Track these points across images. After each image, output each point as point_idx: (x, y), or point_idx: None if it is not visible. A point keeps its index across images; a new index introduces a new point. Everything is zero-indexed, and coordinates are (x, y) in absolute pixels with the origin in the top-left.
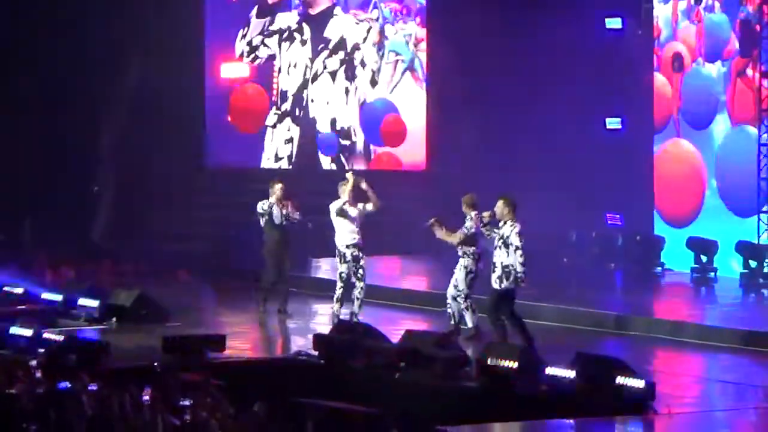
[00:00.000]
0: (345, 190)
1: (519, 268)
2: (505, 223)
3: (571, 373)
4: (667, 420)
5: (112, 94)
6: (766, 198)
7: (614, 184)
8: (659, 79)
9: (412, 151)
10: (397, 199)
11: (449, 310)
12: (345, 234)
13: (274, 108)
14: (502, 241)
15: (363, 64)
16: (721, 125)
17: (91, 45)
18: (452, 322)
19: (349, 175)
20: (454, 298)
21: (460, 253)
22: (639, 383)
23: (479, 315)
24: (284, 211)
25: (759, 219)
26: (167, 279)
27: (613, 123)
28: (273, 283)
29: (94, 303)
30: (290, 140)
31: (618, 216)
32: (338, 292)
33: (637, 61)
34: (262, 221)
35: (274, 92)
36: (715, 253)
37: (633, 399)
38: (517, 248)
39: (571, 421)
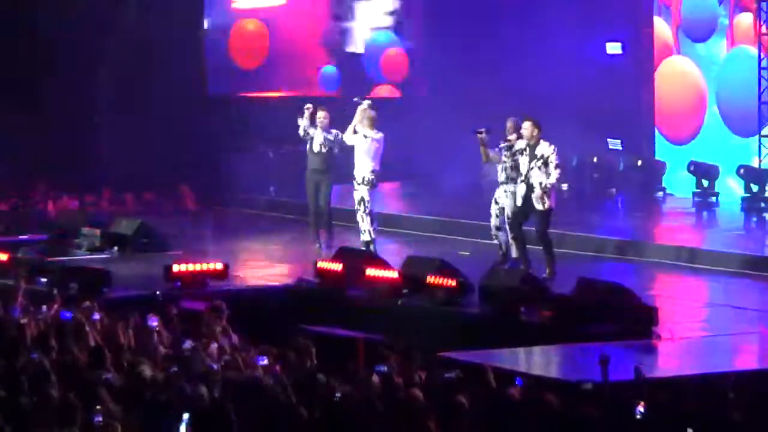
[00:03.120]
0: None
1: (554, 183)
2: (537, 142)
3: (573, 299)
4: (669, 344)
5: (111, 30)
6: (766, 120)
7: (615, 109)
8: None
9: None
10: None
11: (496, 241)
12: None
13: None
14: (541, 161)
15: None
16: (721, 47)
17: None
18: (500, 253)
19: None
20: (498, 228)
21: (503, 178)
22: (640, 308)
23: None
24: (325, 136)
25: (760, 143)
26: (170, 207)
27: (613, 48)
28: (313, 212)
29: (95, 232)
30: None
31: (619, 141)
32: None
33: None
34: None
35: None
36: (716, 177)
37: (635, 324)
38: (557, 166)
39: (575, 346)
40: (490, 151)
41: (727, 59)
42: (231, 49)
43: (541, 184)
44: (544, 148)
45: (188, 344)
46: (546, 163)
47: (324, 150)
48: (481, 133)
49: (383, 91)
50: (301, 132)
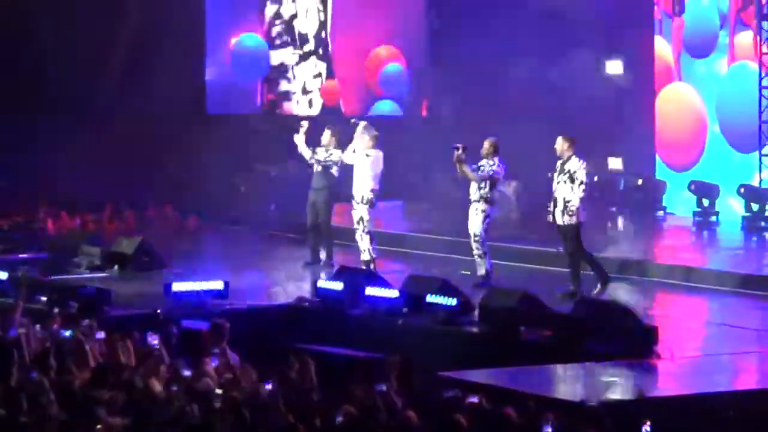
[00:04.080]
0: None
1: (576, 202)
2: (569, 158)
3: (573, 318)
4: (669, 364)
5: (111, 46)
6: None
7: (615, 128)
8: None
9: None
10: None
11: (477, 262)
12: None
13: (291, 48)
14: (567, 175)
15: None
16: (722, 64)
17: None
18: (478, 275)
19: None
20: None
21: (476, 197)
22: (641, 328)
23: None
24: (318, 157)
25: (760, 162)
26: (171, 226)
27: (614, 67)
28: (310, 230)
29: (95, 250)
30: (318, 75)
31: (619, 159)
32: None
33: (637, 5)
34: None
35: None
36: (717, 196)
37: (636, 343)
38: (581, 183)
39: (574, 365)
40: (467, 168)
41: (727, 74)
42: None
43: (564, 198)
44: (574, 164)
45: (187, 363)
46: (572, 179)
47: (319, 168)
48: (458, 149)
49: (384, 106)
50: (305, 153)
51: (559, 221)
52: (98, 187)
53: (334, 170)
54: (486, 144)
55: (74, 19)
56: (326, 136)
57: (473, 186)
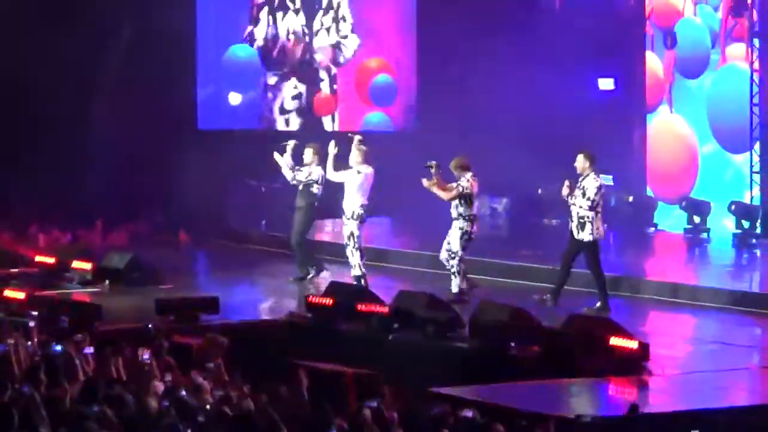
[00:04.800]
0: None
1: (582, 213)
2: (587, 176)
3: (564, 334)
4: (660, 381)
5: (103, 60)
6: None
7: (606, 145)
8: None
9: (403, 112)
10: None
11: (453, 279)
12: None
13: (274, 71)
14: (581, 191)
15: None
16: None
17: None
18: (453, 291)
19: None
20: (448, 261)
21: (454, 215)
22: (632, 344)
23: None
24: (300, 177)
25: (751, 179)
26: (162, 241)
27: (605, 83)
28: (290, 245)
29: (87, 266)
30: (298, 96)
31: (610, 176)
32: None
33: (629, 20)
34: None
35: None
36: (708, 213)
37: (627, 360)
38: (588, 198)
39: (565, 382)
40: (437, 189)
41: (718, 75)
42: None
43: (578, 214)
44: (590, 181)
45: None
46: (584, 194)
47: (301, 187)
48: (431, 167)
49: (374, 118)
50: (286, 175)
51: (576, 236)
52: (89, 202)
53: (315, 188)
54: (453, 162)
55: (64, 34)
56: (309, 154)
57: (451, 205)
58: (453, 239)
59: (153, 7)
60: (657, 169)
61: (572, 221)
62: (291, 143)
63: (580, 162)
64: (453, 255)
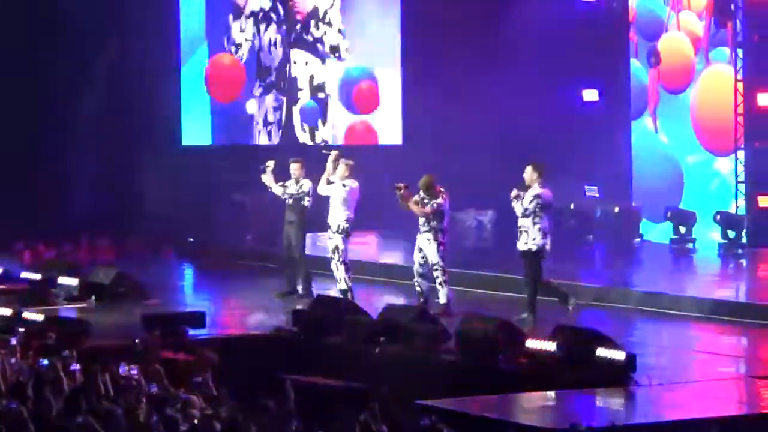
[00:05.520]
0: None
1: (519, 222)
2: (531, 187)
3: (551, 346)
4: (648, 391)
5: (89, 74)
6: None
7: (592, 156)
8: (635, 64)
9: (390, 125)
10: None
11: (418, 288)
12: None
13: (258, 81)
14: (530, 203)
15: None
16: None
17: (71, 23)
18: (421, 300)
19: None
20: (422, 276)
21: (426, 228)
22: (619, 355)
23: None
24: (290, 191)
25: (737, 189)
26: (147, 256)
27: (590, 95)
28: (286, 261)
29: (73, 281)
30: (279, 107)
31: (596, 188)
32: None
33: (612, 31)
34: None
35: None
36: (694, 224)
37: (614, 371)
38: (523, 206)
39: (552, 393)
40: (412, 205)
41: (703, 78)
42: (208, 82)
43: (524, 226)
44: (534, 191)
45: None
46: (533, 207)
47: (291, 201)
48: (399, 189)
49: (359, 126)
50: (276, 191)
51: (522, 248)
52: (74, 218)
53: (306, 201)
54: (422, 180)
55: (48, 50)
56: (295, 168)
57: (422, 218)
58: (430, 253)
59: (135, 23)
60: (643, 188)
61: (521, 234)
62: (270, 163)
63: (528, 173)
64: (436, 267)
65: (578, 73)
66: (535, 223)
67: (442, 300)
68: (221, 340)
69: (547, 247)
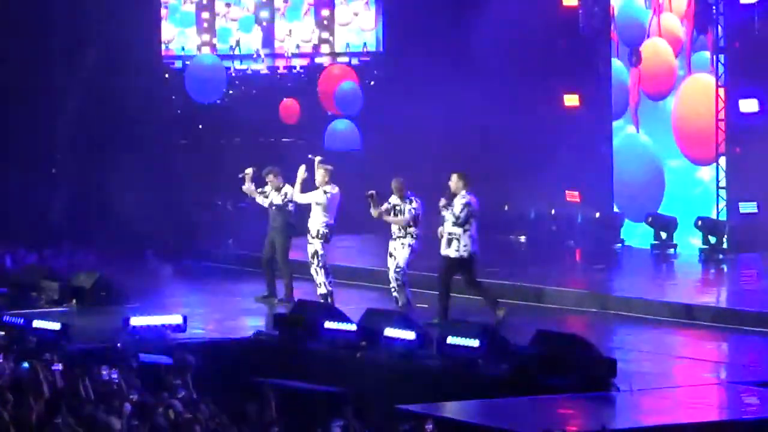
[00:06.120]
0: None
1: (449, 229)
2: (460, 195)
3: (532, 351)
4: (629, 397)
5: (70, 77)
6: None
7: (573, 161)
8: (616, 64)
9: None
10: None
11: (395, 294)
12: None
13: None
14: (451, 209)
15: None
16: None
17: (51, 35)
18: (399, 305)
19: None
20: (398, 281)
21: (402, 233)
22: (600, 360)
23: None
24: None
25: (717, 194)
26: (129, 260)
27: (571, 100)
28: (265, 265)
29: (54, 285)
30: None
31: (577, 193)
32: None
33: (593, 36)
34: None
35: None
36: (675, 229)
37: (595, 376)
38: (454, 214)
39: (533, 398)
40: (387, 216)
41: (684, 87)
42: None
43: (449, 233)
44: (458, 198)
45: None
46: (452, 211)
47: (273, 208)
48: (370, 197)
49: (340, 125)
50: (260, 202)
51: (442, 252)
52: (55, 222)
53: (290, 206)
54: (394, 185)
55: (29, 52)
56: (271, 180)
57: (395, 225)
58: (400, 255)
59: (117, 25)
60: (624, 190)
61: (442, 238)
62: (249, 171)
63: (454, 182)
64: (397, 269)
65: (559, 78)
66: (465, 231)
67: (402, 300)
68: (202, 343)
69: (477, 252)
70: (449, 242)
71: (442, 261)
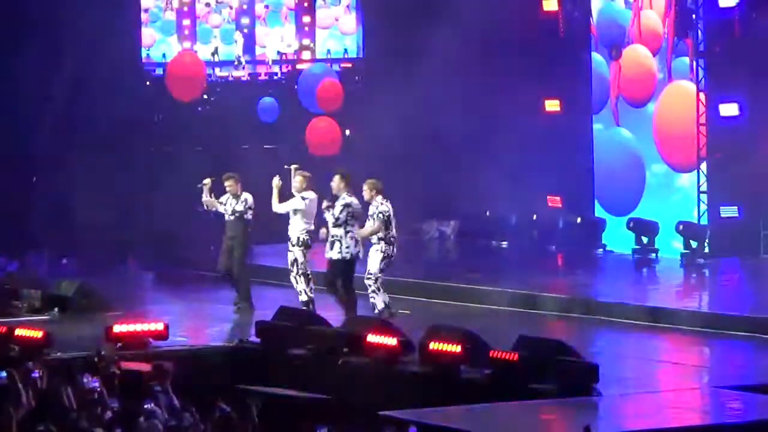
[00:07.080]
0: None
1: (332, 231)
2: (339, 197)
3: (514, 356)
4: (610, 401)
5: (49, 85)
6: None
7: (554, 167)
8: (597, 58)
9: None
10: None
11: (372, 300)
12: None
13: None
14: (340, 211)
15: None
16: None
17: (29, 43)
18: (375, 311)
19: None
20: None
21: (375, 239)
22: (582, 365)
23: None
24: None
25: (699, 199)
26: (110, 268)
27: (552, 105)
28: (225, 275)
29: (35, 293)
30: None
31: (558, 198)
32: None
33: (574, 41)
34: None
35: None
36: (656, 234)
37: (576, 381)
38: (334, 216)
39: (516, 404)
40: (361, 230)
41: (665, 93)
42: (167, 80)
43: (332, 235)
44: (339, 200)
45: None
46: (339, 215)
47: (232, 217)
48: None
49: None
50: (220, 210)
51: (326, 254)
52: (36, 229)
53: (249, 214)
54: (366, 187)
55: (14, 59)
56: (230, 185)
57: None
58: (372, 261)
59: (96, 32)
60: (605, 184)
61: (328, 242)
62: (207, 182)
63: (336, 183)
64: (369, 276)
65: (540, 83)
66: (347, 232)
67: (380, 305)
68: (184, 351)
69: (360, 254)
70: (332, 244)
71: (327, 263)
